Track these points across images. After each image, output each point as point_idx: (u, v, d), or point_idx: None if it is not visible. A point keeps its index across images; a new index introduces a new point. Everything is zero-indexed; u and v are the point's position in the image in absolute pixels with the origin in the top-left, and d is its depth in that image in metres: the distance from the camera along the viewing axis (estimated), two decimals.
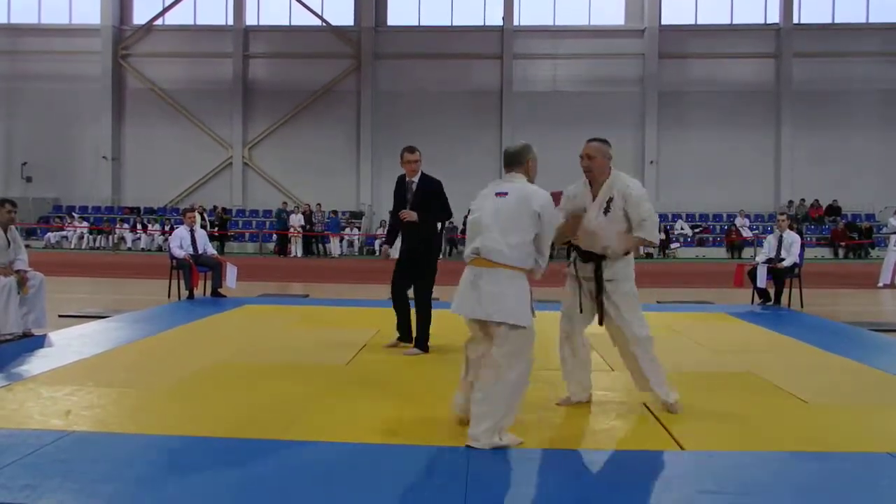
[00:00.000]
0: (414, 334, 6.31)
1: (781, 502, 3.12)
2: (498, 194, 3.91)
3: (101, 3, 28.41)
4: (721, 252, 25.54)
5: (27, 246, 7.99)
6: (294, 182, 28.17)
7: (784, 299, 9.92)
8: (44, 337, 6.72)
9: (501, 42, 27.82)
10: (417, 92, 27.81)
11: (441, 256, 6.67)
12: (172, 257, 10.14)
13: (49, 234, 26.91)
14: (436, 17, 28.36)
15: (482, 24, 28.34)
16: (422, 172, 6.39)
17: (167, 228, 24.72)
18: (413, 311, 6.39)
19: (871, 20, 27.15)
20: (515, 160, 4.01)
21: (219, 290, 10.26)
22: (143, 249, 25.64)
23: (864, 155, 26.65)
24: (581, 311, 4.48)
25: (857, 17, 27.18)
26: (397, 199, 6.48)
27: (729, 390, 5.04)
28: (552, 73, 27.83)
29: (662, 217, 26.40)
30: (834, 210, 26.66)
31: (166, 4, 28.82)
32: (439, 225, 6.55)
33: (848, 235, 25.39)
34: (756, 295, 10.03)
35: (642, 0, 27.65)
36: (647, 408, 4.44)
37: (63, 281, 12.35)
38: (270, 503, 3.05)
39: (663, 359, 4.52)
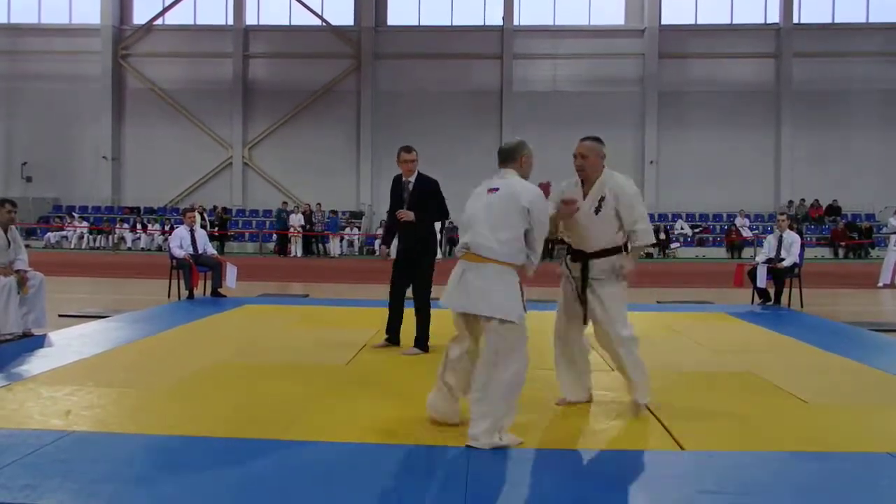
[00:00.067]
0: (415, 334, 6.30)
1: (781, 502, 3.12)
2: (490, 190, 3.94)
3: (101, 3, 28.41)
4: (721, 252, 25.54)
5: (27, 246, 7.99)
6: (294, 182, 28.18)
7: (784, 299, 9.92)
8: (44, 337, 6.72)
9: (501, 42, 27.82)
10: (417, 92, 27.81)
11: (441, 256, 6.67)
12: (172, 257, 10.14)
13: (49, 234, 26.91)
14: (436, 17, 28.36)
15: (482, 24, 28.34)
16: (418, 172, 6.39)
17: (167, 228, 24.72)
18: (406, 314, 6.40)
19: (871, 20, 27.15)
20: (509, 156, 4.02)
21: (219, 290, 10.26)
22: (143, 249, 25.65)
23: (864, 155, 26.65)
24: (575, 311, 4.48)
25: (857, 17, 27.18)
26: (394, 199, 6.47)
27: (729, 390, 5.03)
28: (552, 73, 27.83)
29: (662, 217, 26.44)
30: (834, 210, 26.66)
31: (166, 4, 28.82)
32: (439, 224, 6.55)
33: (848, 235, 25.39)
34: (756, 295, 10.03)
35: (642, 0, 27.66)
36: (647, 408, 4.44)
37: (63, 281, 12.35)
38: (270, 503, 3.05)
39: (663, 359, 4.53)
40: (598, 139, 4.42)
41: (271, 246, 25.47)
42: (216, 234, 23.85)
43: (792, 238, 9.91)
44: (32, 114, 28.47)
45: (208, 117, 28.37)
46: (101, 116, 28.30)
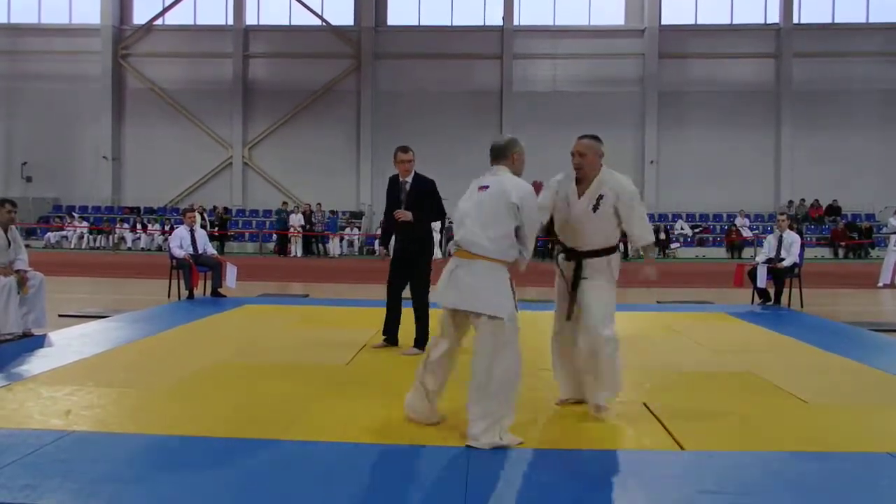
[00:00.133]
0: (414, 335, 6.30)
1: (781, 502, 3.12)
2: (481, 188, 3.96)
3: (101, 3, 28.39)
4: (721, 252, 25.53)
5: (27, 246, 7.99)
6: (294, 182, 28.17)
7: (784, 299, 9.92)
8: (44, 337, 6.72)
9: (501, 42, 27.82)
10: (417, 92, 27.80)
11: (441, 256, 6.67)
12: (172, 257, 10.14)
13: (49, 233, 26.89)
14: (436, 17, 28.35)
15: (482, 24, 28.32)
16: (415, 172, 6.39)
17: (167, 228, 24.70)
18: (405, 314, 6.40)
19: (871, 20, 27.13)
20: (501, 153, 4.03)
21: (219, 289, 10.26)
22: (143, 249, 25.63)
23: (864, 155, 26.64)
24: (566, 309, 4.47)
25: (857, 17, 27.17)
26: (390, 200, 6.48)
27: (729, 390, 5.04)
28: (552, 73, 27.82)
29: (662, 217, 26.43)
30: (834, 210, 26.65)
31: (166, 4, 28.79)
32: (440, 224, 6.56)
33: (848, 235, 25.38)
34: (756, 295, 10.03)
35: (642, 0, 27.65)
36: (647, 408, 4.44)
37: (63, 281, 12.35)
38: (270, 503, 3.05)
39: (663, 359, 4.53)
40: (596, 137, 4.42)
41: (271, 246, 25.46)
42: (216, 234, 23.85)
43: (792, 238, 9.91)
44: (32, 114, 28.46)
45: (208, 117, 28.36)
46: (101, 116, 28.29)
